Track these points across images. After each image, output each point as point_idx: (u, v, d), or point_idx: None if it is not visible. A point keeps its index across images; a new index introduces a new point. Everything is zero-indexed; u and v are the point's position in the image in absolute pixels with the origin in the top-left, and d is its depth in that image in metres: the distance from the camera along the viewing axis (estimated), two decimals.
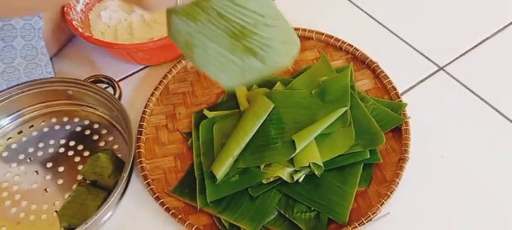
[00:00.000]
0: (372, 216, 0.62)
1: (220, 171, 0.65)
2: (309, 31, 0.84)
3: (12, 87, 0.72)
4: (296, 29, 0.84)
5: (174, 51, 0.82)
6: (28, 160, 0.72)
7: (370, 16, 0.92)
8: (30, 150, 0.73)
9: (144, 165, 0.70)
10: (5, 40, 0.72)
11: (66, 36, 0.87)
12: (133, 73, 0.84)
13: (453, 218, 0.65)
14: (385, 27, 0.90)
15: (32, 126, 0.76)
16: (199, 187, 0.67)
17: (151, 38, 0.83)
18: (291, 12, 0.91)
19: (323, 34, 0.83)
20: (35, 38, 0.74)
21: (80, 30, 0.78)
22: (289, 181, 0.65)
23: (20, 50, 0.73)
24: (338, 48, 0.82)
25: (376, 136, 0.68)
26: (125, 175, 0.63)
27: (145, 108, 0.75)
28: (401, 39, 0.87)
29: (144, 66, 0.85)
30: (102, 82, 0.74)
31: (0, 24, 0.72)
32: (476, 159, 0.71)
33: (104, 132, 0.74)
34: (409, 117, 0.72)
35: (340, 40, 0.82)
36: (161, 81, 0.78)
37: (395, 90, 0.76)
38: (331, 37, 0.83)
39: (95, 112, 0.76)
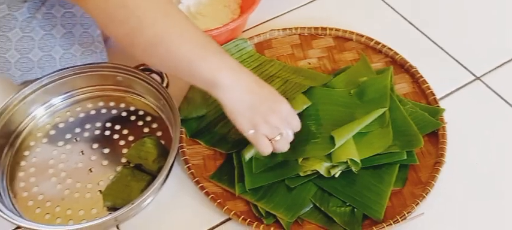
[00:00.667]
0: (406, 215, 0.64)
1: (248, 153, 0.69)
2: (350, 32, 0.86)
3: (65, 68, 0.76)
4: (336, 30, 0.86)
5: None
6: (74, 140, 0.76)
7: (409, 22, 0.93)
8: (77, 130, 0.77)
9: (185, 149, 0.73)
10: (65, 27, 0.76)
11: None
12: None
13: (485, 223, 0.67)
14: (424, 33, 0.91)
15: (80, 107, 0.79)
16: (237, 175, 0.69)
17: None
18: (331, 13, 0.94)
19: (363, 36, 0.85)
20: (92, 26, 0.78)
21: None
22: (325, 176, 0.67)
23: (78, 37, 0.77)
24: (377, 51, 0.84)
25: (414, 139, 0.70)
26: (171, 160, 0.66)
27: None
28: (439, 46, 0.88)
29: None
30: (151, 71, 0.77)
31: (62, 11, 0.75)
32: (510, 168, 0.72)
33: (148, 118, 0.77)
34: (446, 123, 0.73)
35: (380, 43, 0.84)
36: None
37: (434, 95, 0.77)
38: (371, 39, 0.84)
39: (141, 99, 0.79)
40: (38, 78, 0.75)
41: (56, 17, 0.75)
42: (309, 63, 0.84)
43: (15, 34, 0.73)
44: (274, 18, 0.94)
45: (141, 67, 0.77)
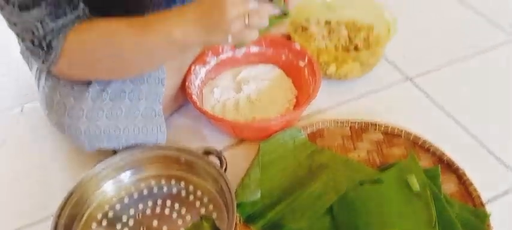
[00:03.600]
0: None
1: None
2: (398, 129, 0.90)
3: (135, 148, 0.83)
4: (386, 126, 0.90)
5: (269, 132, 0.91)
6: (137, 216, 0.81)
7: (457, 121, 0.97)
8: (140, 206, 0.83)
9: None
10: (132, 101, 0.83)
11: (178, 104, 0.98)
12: (232, 145, 0.94)
13: None
14: (472, 134, 0.94)
15: (144, 183, 0.85)
16: None
17: (254, 117, 0.92)
18: (381, 108, 0.99)
19: (411, 134, 0.89)
20: (156, 102, 0.85)
21: (198, 104, 0.89)
22: None
23: (142, 110, 0.84)
24: (425, 150, 0.88)
25: None
26: None
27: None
28: (488, 148, 0.91)
29: (241, 141, 0.94)
30: (211, 153, 0.84)
31: (132, 87, 0.83)
32: None
33: (206, 199, 0.83)
34: (493, 228, 0.75)
35: (428, 142, 0.87)
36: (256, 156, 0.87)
37: (480, 198, 0.79)
38: (419, 138, 0.88)
39: (200, 180, 0.84)
40: (111, 156, 0.83)
41: (125, 92, 0.83)
42: (359, 156, 0.88)
43: (87, 104, 0.80)
44: (327, 108, 1.00)
45: (203, 151, 0.84)
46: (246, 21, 0.69)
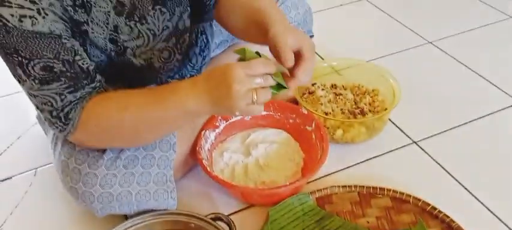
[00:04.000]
0: None
1: None
2: (407, 195, 0.91)
3: (146, 213, 0.84)
4: (394, 191, 0.92)
5: (278, 198, 0.91)
6: None
7: (465, 187, 0.97)
8: None
9: None
10: (144, 167, 0.85)
11: (188, 167, 1.00)
12: (241, 210, 0.94)
13: None
14: (482, 202, 0.94)
15: None
16: None
17: (263, 181, 0.94)
18: (390, 171, 1.00)
19: (420, 200, 0.90)
20: (167, 167, 0.87)
21: (208, 169, 0.91)
22: None
23: (153, 176, 0.85)
24: (434, 216, 0.88)
25: None
26: None
27: None
28: (497, 216, 0.91)
29: (250, 205, 0.95)
30: (221, 219, 0.84)
31: (144, 153, 0.85)
32: None
33: None
34: None
35: (436, 208, 0.88)
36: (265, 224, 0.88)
37: None
38: (428, 204, 0.89)
39: None
40: (123, 223, 0.83)
41: (138, 158, 0.85)
42: (368, 222, 0.89)
43: (101, 171, 0.83)
44: (335, 172, 1.01)
45: (212, 216, 0.85)
46: (254, 98, 0.71)
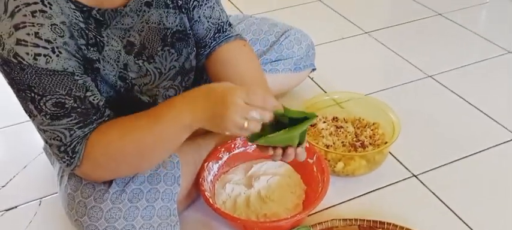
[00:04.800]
0: None
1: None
2: (407, 229, 0.91)
3: None
4: (394, 225, 0.92)
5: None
6: None
7: (461, 219, 0.98)
8: None
9: None
10: (149, 201, 0.86)
11: (191, 199, 1.01)
12: None
13: None
14: None
15: None
16: None
17: (265, 214, 0.95)
18: (390, 204, 1.01)
19: None
20: (171, 201, 0.88)
21: (210, 201, 0.92)
22: None
23: (157, 210, 0.86)
24: None
25: None
26: None
27: None
28: None
29: None
30: None
31: (149, 187, 0.87)
32: None
33: None
34: None
35: None
36: None
37: None
38: None
39: None
40: None
41: (143, 192, 0.86)
42: None
43: (107, 205, 0.84)
44: (335, 205, 1.03)
45: None
46: (245, 125, 0.73)
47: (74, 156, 0.78)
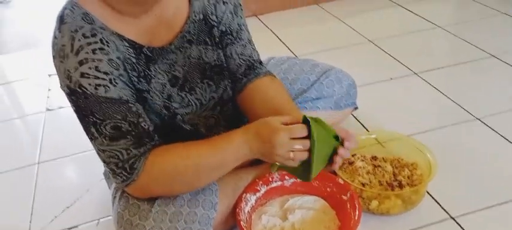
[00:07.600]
0: None
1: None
2: None
3: None
4: None
5: None
6: None
7: None
8: None
9: None
10: (187, 222, 0.93)
11: (228, 227, 1.08)
12: None
13: None
14: None
15: None
16: None
17: None
18: None
19: None
20: (207, 225, 0.96)
21: None
22: None
23: None
24: None
25: None
26: None
27: None
28: None
29: None
30: None
31: (188, 210, 0.95)
32: None
33: None
34: None
35: None
36: None
37: None
38: None
39: None
40: None
41: (182, 214, 0.94)
42: None
43: (149, 223, 0.92)
44: None
45: None
46: (291, 156, 0.87)
47: (132, 172, 0.89)
